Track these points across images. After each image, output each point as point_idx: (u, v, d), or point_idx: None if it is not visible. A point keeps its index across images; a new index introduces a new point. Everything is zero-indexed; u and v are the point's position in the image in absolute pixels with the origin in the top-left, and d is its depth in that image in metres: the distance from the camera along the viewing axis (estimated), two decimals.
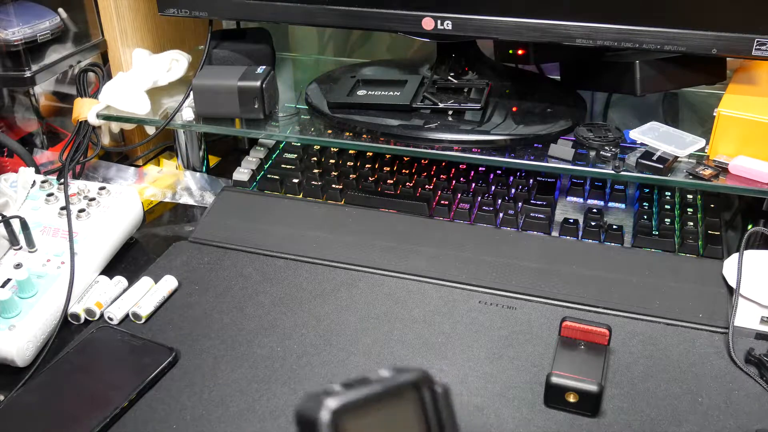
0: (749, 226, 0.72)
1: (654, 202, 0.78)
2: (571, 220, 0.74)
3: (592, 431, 0.54)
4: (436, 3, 0.74)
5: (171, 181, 0.88)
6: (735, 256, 0.66)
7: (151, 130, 0.87)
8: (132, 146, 0.93)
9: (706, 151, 0.72)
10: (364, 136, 0.78)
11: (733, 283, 0.64)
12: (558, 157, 0.73)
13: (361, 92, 0.83)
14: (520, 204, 0.77)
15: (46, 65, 0.85)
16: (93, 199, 0.73)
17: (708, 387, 0.57)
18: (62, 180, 0.75)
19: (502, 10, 0.72)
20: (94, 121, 0.83)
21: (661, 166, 0.69)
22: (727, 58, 0.76)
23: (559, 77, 0.89)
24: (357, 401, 0.35)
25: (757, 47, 0.66)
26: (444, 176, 0.82)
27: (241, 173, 0.84)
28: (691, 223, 0.73)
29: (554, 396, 0.55)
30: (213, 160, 0.94)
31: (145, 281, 0.69)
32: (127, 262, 0.74)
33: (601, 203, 0.79)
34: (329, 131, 0.80)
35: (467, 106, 0.78)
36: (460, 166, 0.83)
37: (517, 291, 0.67)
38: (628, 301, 0.65)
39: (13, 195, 0.73)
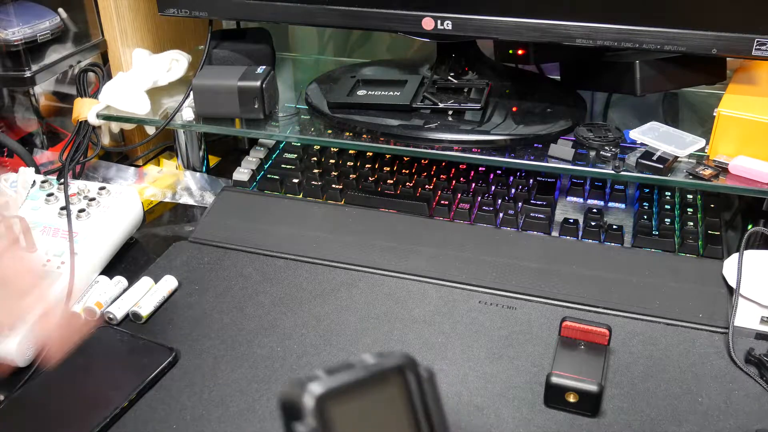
0: (749, 226, 0.71)
1: (654, 202, 0.78)
2: (571, 220, 0.74)
3: (592, 431, 0.54)
4: (436, 3, 0.74)
5: (171, 181, 0.88)
6: (735, 256, 0.66)
7: (151, 130, 0.87)
8: (132, 146, 0.93)
9: (706, 151, 0.72)
10: (364, 136, 0.78)
11: (733, 283, 0.64)
12: (558, 157, 0.73)
13: (361, 92, 0.83)
14: (520, 204, 0.77)
15: (46, 65, 0.85)
16: (93, 199, 0.73)
17: (708, 387, 0.57)
18: (62, 180, 0.75)
19: (502, 10, 0.72)
20: (94, 121, 0.83)
21: (661, 166, 0.69)
22: (727, 58, 0.76)
23: (559, 77, 0.89)
24: (341, 386, 0.34)
25: (757, 47, 0.66)
26: (444, 176, 0.82)
27: (241, 173, 0.84)
28: (691, 223, 0.73)
29: (554, 396, 0.55)
30: (213, 160, 0.94)
31: (145, 281, 0.69)
32: (127, 262, 0.74)
33: (601, 203, 0.79)
34: (329, 131, 0.80)
35: (467, 106, 0.78)
36: (460, 166, 0.83)
37: (517, 291, 0.67)
38: (628, 301, 0.65)
39: (13, 195, 0.73)
